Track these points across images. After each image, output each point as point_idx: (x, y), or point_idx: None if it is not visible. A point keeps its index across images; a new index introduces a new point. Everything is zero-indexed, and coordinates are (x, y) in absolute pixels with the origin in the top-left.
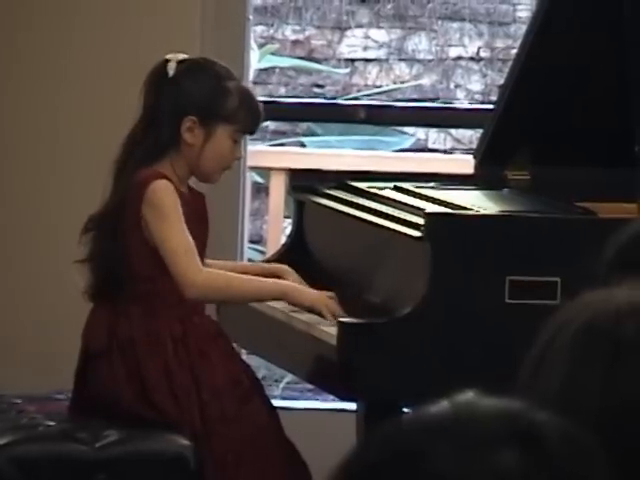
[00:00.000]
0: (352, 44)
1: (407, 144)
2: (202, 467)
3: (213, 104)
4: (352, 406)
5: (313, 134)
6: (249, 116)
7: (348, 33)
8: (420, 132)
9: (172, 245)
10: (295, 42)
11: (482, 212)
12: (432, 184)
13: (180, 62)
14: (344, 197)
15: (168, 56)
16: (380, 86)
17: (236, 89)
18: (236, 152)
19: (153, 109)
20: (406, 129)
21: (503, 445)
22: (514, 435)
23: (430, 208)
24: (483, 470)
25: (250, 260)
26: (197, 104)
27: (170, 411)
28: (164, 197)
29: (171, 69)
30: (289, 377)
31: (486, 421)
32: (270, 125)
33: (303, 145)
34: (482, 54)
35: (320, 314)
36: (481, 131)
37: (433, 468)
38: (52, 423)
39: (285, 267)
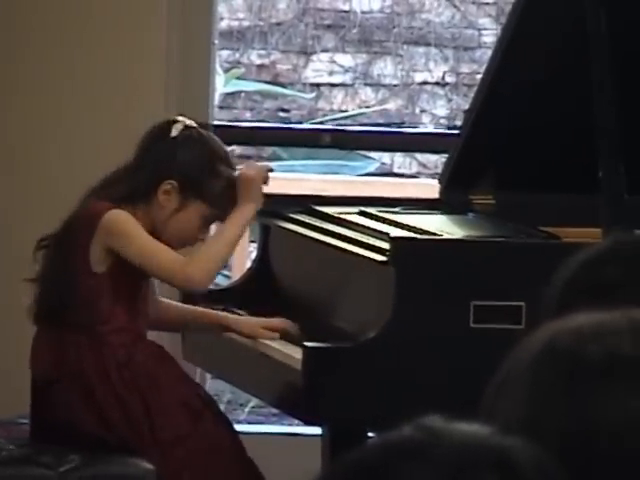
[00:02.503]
0: (317, 69)
1: (372, 168)
2: None
3: (198, 179)
4: (318, 430)
5: (278, 158)
6: (228, 206)
7: (314, 58)
8: (385, 157)
9: (154, 260)
10: (260, 66)
11: (447, 237)
12: (397, 209)
13: (186, 127)
14: (309, 222)
15: (179, 118)
16: (346, 111)
17: (227, 175)
18: (202, 233)
19: (142, 159)
20: (371, 153)
21: (479, 470)
22: (487, 460)
23: (395, 233)
24: None
25: (216, 284)
26: (183, 172)
27: (126, 435)
28: (123, 222)
29: (175, 130)
30: (254, 401)
31: (458, 446)
32: (235, 149)
33: None
34: (447, 79)
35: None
36: (446, 156)
37: None
38: (15, 447)
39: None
